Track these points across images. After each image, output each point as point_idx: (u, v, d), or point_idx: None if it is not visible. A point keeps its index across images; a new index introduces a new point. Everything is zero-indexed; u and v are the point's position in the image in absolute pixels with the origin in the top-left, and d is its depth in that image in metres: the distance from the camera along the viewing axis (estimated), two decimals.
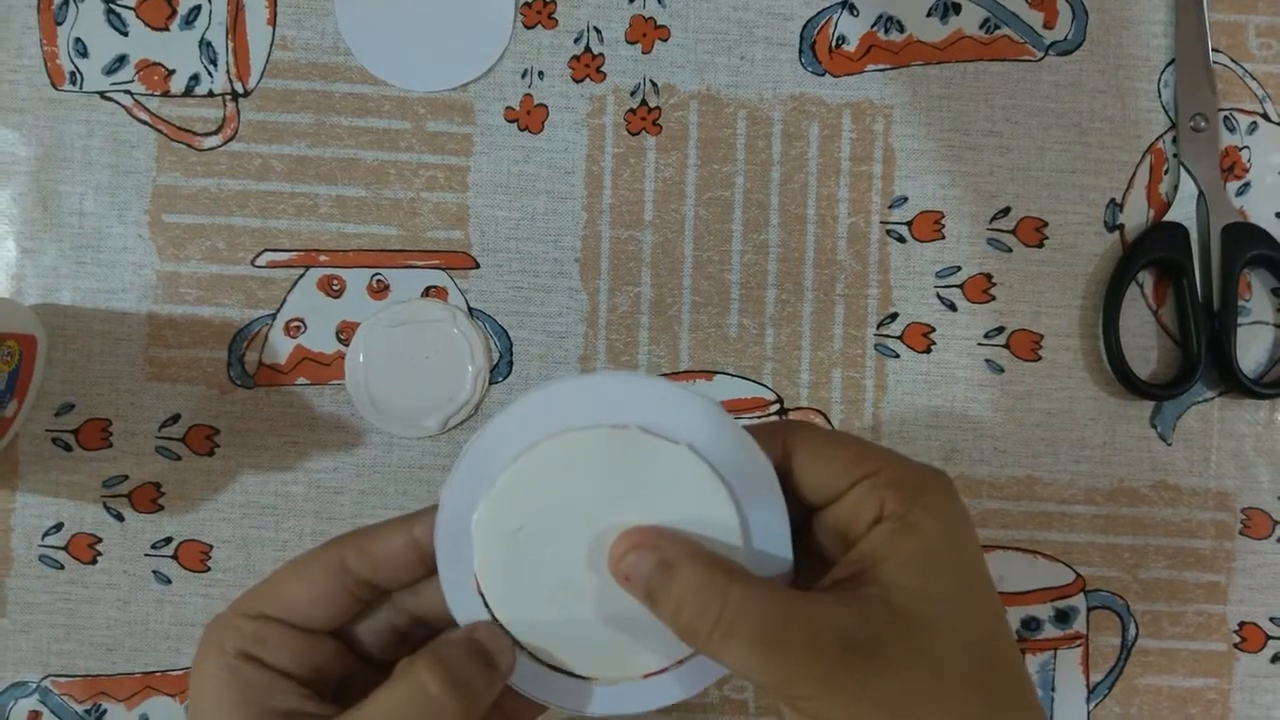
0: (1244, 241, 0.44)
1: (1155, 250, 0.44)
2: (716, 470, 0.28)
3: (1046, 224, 0.45)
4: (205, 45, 0.44)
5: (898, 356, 0.45)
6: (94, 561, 0.44)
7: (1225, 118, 0.45)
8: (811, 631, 0.25)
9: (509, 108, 0.44)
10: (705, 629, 0.25)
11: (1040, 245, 0.45)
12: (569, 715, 0.31)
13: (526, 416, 0.28)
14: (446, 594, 0.29)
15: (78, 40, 0.44)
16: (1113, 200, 0.45)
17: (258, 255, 0.44)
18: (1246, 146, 0.45)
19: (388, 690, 0.26)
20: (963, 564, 0.26)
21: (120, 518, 0.44)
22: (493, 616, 0.29)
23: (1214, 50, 0.45)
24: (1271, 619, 0.45)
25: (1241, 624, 0.45)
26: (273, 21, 0.44)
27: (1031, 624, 0.44)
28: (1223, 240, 0.44)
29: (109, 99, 0.44)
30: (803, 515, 0.29)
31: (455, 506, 0.28)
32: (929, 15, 0.45)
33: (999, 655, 0.26)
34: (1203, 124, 0.45)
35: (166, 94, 0.44)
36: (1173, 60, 0.45)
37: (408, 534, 0.29)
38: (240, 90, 0.44)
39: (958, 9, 0.45)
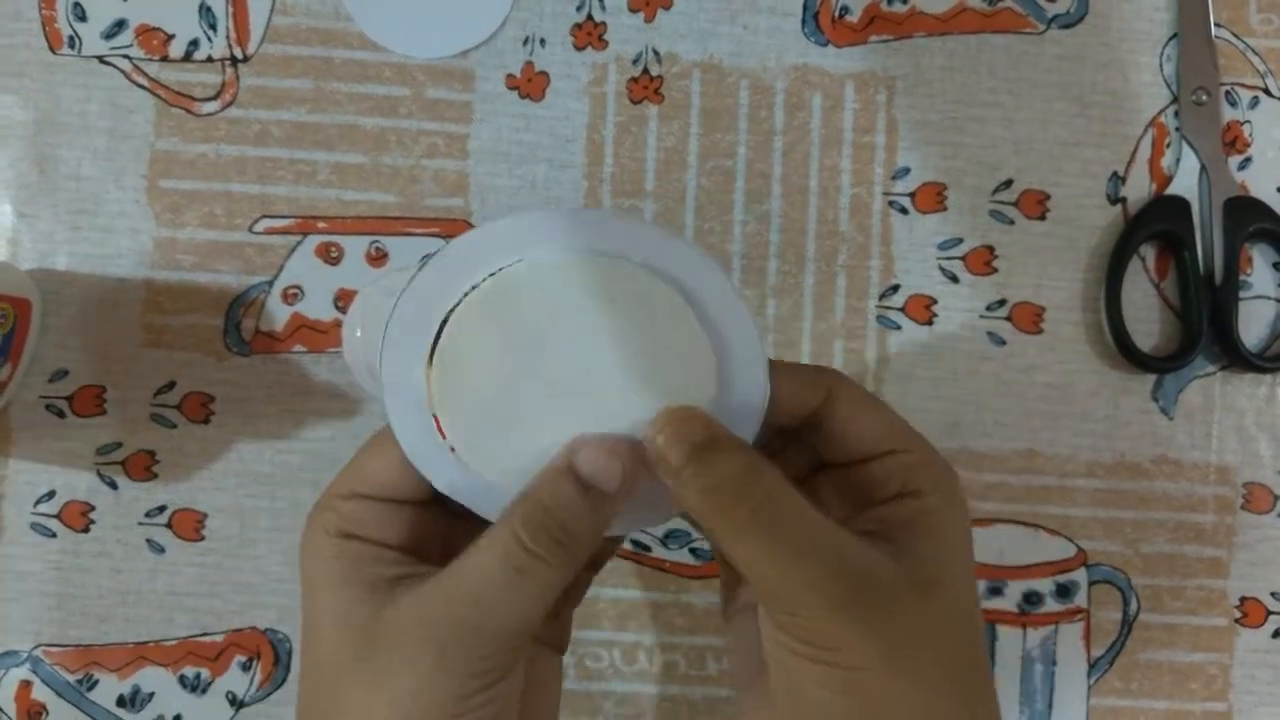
0: (1246, 215, 0.44)
1: (1157, 223, 0.44)
2: (705, 327, 0.27)
3: (1049, 196, 0.45)
4: (205, 10, 0.44)
5: (899, 328, 0.44)
6: (87, 530, 0.43)
7: (1227, 92, 0.45)
8: (838, 553, 0.25)
9: (510, 75, 0.44)
10: (739, 516, 0.25)
11: (1042, 218, 0.45)
12: None
13: (522, 227, 0.26)
14: (388, 395, 0.27)
15: (76, 4, 0.43)
16: (1115, 173, 0.45)
17: (255, 222, 0.44)
18: (1248, 121, 0.45)
19: (484, 551, 0.26)
20: (964, 549, 0.28)
21: (114, 486, 0.43)
22: (438, 424, 0.27)
23: (1216, 24, 0.45)
24: (1273, 594, 0.44)
25: (1243, 599, 0.44)
26: None
27: (1033, 598, 0.44)
28: (1224, 214, 0.44)
29: (107, 63, 0.44)
30: (813, 457, 0.30)
31: (418, 307, 0.26)
32: None
33: (977, 631, 0.28)
34: (1204, 98, 0.45)
35: (165, 59, 0.44)
36: (1175, 34, 0.45)
37: None
38: (240, 55, 0.44)
39: None
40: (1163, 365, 0.44)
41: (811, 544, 0.25)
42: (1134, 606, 0.44)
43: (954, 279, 0.45)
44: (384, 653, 0.26)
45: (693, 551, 0.44)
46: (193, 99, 0.44)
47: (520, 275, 0.26)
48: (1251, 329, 0.45)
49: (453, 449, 0.27)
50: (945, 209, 0.45)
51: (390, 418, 0.27)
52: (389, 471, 0.28)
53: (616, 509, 0.27)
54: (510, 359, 0.27)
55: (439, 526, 0.29)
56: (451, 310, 0.26)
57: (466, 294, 0.26)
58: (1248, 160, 0.45)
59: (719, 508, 0.26)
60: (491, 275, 0.26)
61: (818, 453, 0.30)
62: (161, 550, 0.43)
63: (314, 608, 0.27)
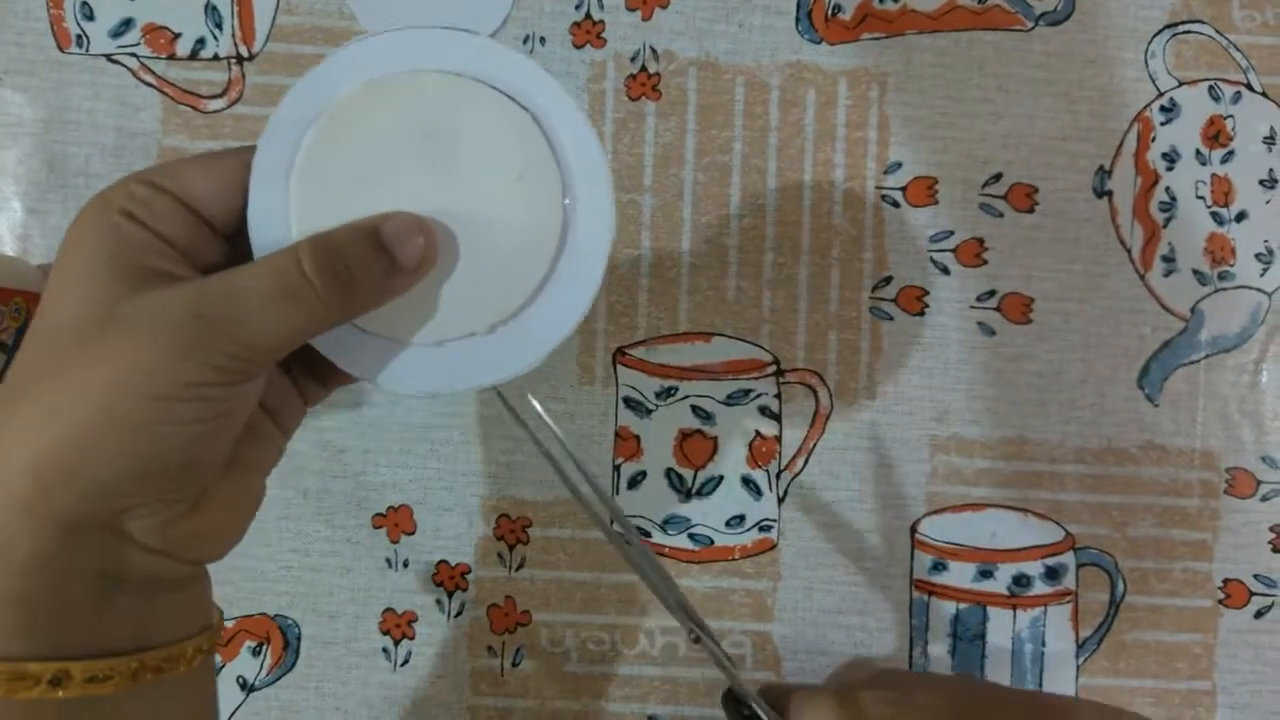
0: None
1: None
2: (555, 151, 0.28)
3: (1037, 190, 0.46)
4: (211, 9, 0.44)
5: (892, 319, 0.46)
6: None
7: (1210, 87, 0.46)
8: None
9: None
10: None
11: (1031, 210, 0.46)
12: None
13: (384, 49, 0.29)
14: (251, 220, 0.28)
15: (84, 4, 0.44)
16: (1101, 167, 0.46)
17: None
18: (1231, 115, 0.46)
19: (261, 264, 0.26)
20: None
21: None
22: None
23: (1199, 21, 0.46)
24: (1255, 576, 0.46)
25: (1226, 581, 0.46)
26: None
27: (1022, 580, 0.45)
28: None
29: (115, 62, 0.44)
30: None
31: (284, 127, 0.28)
32: None
33: None
34: None
35: (172, 57, 0.44)
36: (1159, 30, 0.46)
37: None
38: (245, 54, 0.45)
39: None
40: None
41: None
42: (1121, 588, 0.45)
43: (945, 270, 0.46)
44: (126, 327, 0.25)
45: (691, 536, 0.45)
46: (199, 96, 0.44)
47: (393, 84, 0.28)
48: (1234, 318, 0.46)
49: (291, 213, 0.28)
50: (936, 202, 0.46)
51: (254, 168, 0.28)
52: (203, 182, 0.27)
53: (404, 287, 0.28)
54: (373, 160, 0.28)
55: (216, 260, 0.28)
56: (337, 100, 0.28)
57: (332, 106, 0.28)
58: (1230, 154, 0.46)
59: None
60: (368, 82, 0.28)
61: None
62: None
63: (63, 272, 0.26)
